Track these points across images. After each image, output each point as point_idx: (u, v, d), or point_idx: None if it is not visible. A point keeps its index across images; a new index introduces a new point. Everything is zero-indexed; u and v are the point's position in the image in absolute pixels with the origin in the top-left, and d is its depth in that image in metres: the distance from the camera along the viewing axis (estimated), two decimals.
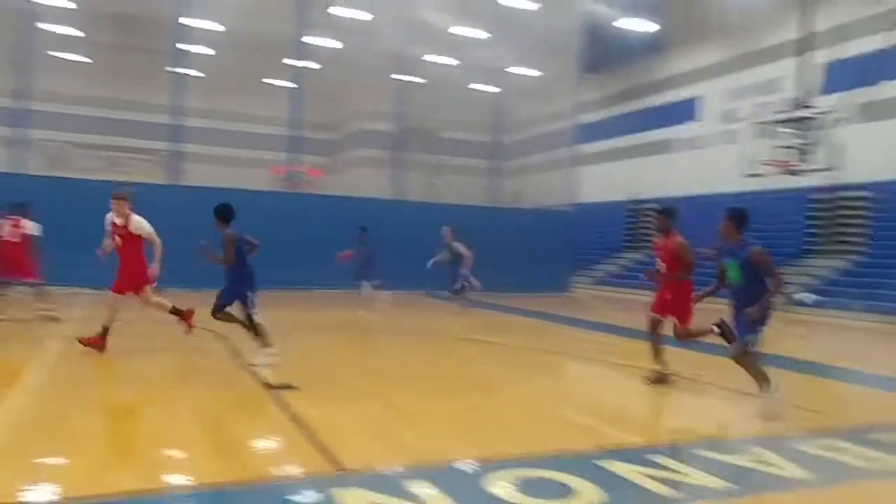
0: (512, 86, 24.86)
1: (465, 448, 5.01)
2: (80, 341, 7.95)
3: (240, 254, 7.70)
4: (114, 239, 8.10)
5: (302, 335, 11.16)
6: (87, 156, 26.80)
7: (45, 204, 15.96)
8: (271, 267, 16.71)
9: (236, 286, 7.75)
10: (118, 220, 8.09)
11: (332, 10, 21.75)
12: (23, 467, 4.30)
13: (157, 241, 8.16)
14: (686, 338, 7.05)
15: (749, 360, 6.01)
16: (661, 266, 7.26)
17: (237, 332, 9.69)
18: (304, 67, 20.18)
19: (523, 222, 21.45)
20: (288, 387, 6.55)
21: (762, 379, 5.98)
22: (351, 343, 11.15)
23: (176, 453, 4.78)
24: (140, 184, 20.65)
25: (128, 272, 8.19)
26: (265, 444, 5.24)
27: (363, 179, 26.50)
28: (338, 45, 24.03)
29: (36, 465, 4.46)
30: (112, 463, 4.49)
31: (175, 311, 8.58)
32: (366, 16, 22.52)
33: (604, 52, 25.86)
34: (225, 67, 24.45)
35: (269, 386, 6.60)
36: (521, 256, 19.83)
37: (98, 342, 7.92)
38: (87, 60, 25.38)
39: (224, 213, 7.71)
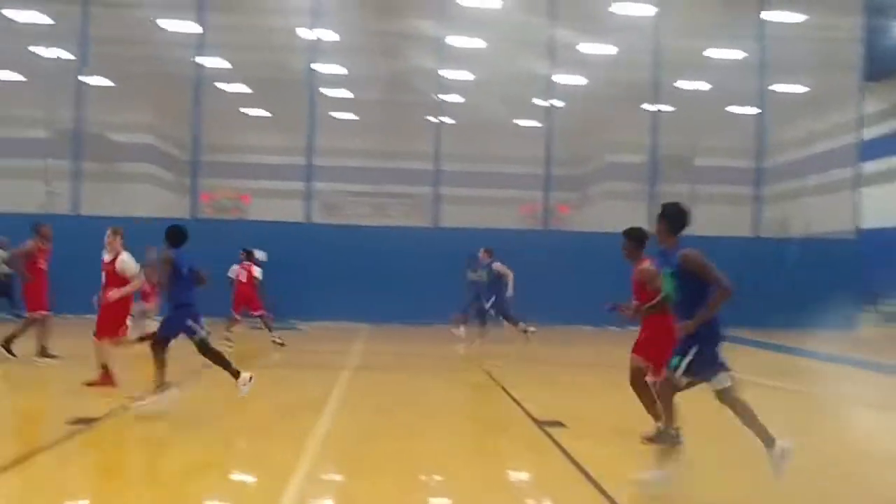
0: (776, 104, 22.73)
1: (753, 501, 4.59)
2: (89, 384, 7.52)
3: (180, 279, 6.78)
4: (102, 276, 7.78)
5: (559, 372, 11.08)
6: (357, 203, 30.00)
7: (324, 247, 18.22)
8: (526, 305, 17.12)
9: (178, 316, 6.81)
10: (107, 257, 7.80)
11: (581, 47, 21.91)
12: (312, 488, 4.76)
13: (136, 283, 7.82)
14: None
15: (665, 391, 4.72)
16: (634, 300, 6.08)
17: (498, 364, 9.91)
18: (551, 106, 20.57)
19: (795, 253, 19.23)
20: (556, 423, 6.51)
21: (666, 418, 4.69)
22: (605, 380, 10.70)
23: (455, 482, 4.96)
24: (402, 227, 22.64)
25: (108, 315, 7.70)
26: (540, 479, 5.22)
27: (612, 213, 26.01)
28: (584, 80, 24.12)
29: (324, 483, 4.93)
30: (396, 488, 4.73)
31: (105, 370, 7.63)
32: (611, 49, 22.34)
33: (889, 57, 22.62)
34: (477, 112, 25.81)
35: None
36: (795, 290, 17.78)
37: (106, 381, 7.53)
38: (356, 117, 28.55)
39: (172, 235, 6.94)
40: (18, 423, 6.45)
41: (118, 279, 7.63)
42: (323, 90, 22.74)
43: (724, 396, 4.61)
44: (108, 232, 7.85)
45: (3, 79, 24.73)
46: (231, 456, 5.53)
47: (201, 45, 19.03)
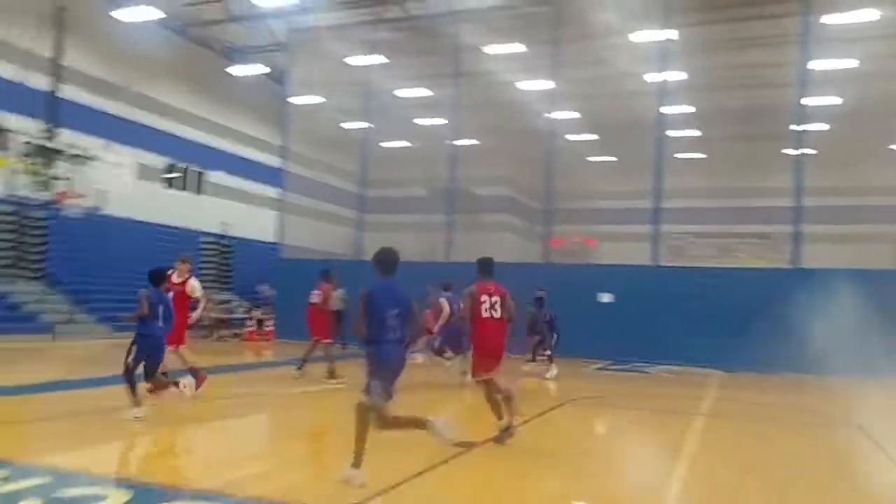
0: None
1: None
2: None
3: (152, 313, 7.62)
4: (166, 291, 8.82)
5: None
6: (702, 244, 28.64)
7: (671, 290, 17.76)
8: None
9: (137, 345, 7.66)
10: (177, 279, 9.28)
11: None
12: None
13: (204, 301, 9.65)
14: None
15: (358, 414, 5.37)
16: None
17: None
18: None
19: None
20: None
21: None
22: None
23: None
24: (755, 269, 20.94)
25: (178, 328, 8.77)
26: None
27: None
28: None
29: None
30: None
31: (195, 371, 9.06)
32: None
33: None
34: (841, 140, 22.97)
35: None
36: None
37: (201, 381, 8.92)
38: (703, 156, 27.46)
39: (150, 276, 7.98)
40: (405, 442, 7.28)
41: (186, 298, 9.31)
42: (670, 131, 22.52)
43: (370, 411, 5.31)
44: (179, 260, 9.62)
45: (393, 146, 29.70)
46: (589, 491, 5.68)
47: (553, 100, 20.36)
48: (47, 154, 14.94)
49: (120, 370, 7.42)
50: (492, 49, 21.52)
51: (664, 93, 19.92)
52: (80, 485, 4.92)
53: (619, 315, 17.80)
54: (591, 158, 29.46)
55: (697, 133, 25.51)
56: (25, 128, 15.04)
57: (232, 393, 10.48)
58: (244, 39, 23.21)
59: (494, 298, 7.19)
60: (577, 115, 24.25)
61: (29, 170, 14.33)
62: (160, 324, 7.69)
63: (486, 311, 7.17)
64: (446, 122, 24.00)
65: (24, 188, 14.31)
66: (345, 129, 26.55)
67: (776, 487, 6.04)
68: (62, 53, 15.97)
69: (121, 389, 7.45)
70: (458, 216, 21.40)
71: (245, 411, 9.28)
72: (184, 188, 24.78)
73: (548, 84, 20.77)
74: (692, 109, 23.33)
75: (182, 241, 23.04)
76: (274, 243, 23.64)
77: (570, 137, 26.15)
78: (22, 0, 16.43)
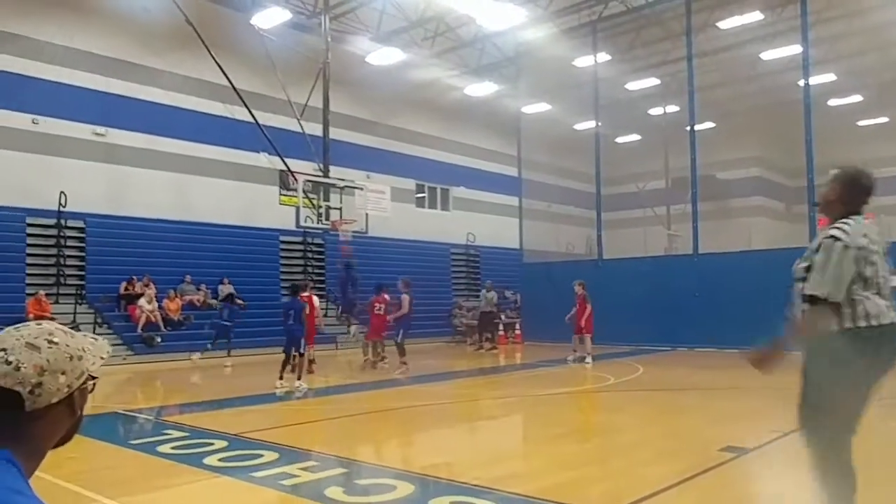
0: None
1: None
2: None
3: (287, 317, 11.37)
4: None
5: None
6: None
7: None
8: None
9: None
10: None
11: None
12: None
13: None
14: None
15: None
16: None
17: None
18: None
19: None
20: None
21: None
22: None
23: None
24: None
25: (310, 330, 12.58)
26: None
27: None
28: None
29: None
30: None
31: (311, 362, 13.01)
32: None
33: None
34: None
35: None
36: None
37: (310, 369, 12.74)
38: None
39: (292, 287, 12.58)
40: (676, 445, 7.01)
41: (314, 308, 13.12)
42: None
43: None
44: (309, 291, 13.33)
45: (626, 141, 29.04)
46: None
47: (805, 65, 18.28)
48: (323, 189, 17.21)
49: (391, 376, 8.32)
50: (726, 23, 20.12)
51: None
52: (371, 476, 5.76)
53: None
54: (860, 123, 25.95)
55: None
56: (305, 168, 17.47)
57: (494, 394, 11.20)
58: (476, 60, 24.47)
59: (381, 305, 13.73)
60: (832, 76, 21.56)
61: (309, 204, 16.62)
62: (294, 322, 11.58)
63: (377, 310, 13.80)
64: (678, 109, 22.91)
65: (307, 220, 16.60)
66: (577, 131, 26.59)
67: None
68: (328, 101, 18.28)
69: (385, 393, 8.44)
70: (701, 205, 20.16)
71: (507, 411, 9.86)
72: (433, 206, 26.75)
73: (795, 49, 18.80)
74: None
75: (435, 254, 24.93)
76: (516, 249, 24.47)
77: (830, 103, 23.34)
78: (296, 66, 19.23)
